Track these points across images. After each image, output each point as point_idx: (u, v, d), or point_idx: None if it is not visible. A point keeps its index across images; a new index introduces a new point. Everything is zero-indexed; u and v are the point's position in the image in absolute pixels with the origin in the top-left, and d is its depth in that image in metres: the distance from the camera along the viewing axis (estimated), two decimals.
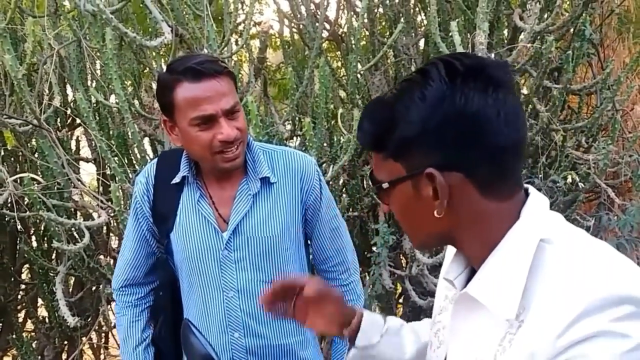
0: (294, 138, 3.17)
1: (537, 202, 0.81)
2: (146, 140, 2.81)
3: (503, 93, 0.75)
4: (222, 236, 1.51)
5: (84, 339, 2.90)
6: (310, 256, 1.72)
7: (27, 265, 3.05)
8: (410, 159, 0.79)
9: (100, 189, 2.90)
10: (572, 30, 2.95)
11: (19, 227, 2.88)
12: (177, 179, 1.53)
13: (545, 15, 2.78)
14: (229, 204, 1.52)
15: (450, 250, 1.00)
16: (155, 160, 1.64)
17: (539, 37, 2.61)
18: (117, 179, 2.28)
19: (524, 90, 3.13)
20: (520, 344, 0.75)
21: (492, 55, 2.48)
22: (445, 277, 0.89)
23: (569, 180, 2.83)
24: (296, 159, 1.58)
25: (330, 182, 2.51)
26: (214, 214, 1.52)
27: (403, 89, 0.79)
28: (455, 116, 0.74)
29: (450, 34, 2.38)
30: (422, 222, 0.83)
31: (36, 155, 2.57)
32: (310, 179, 1.58)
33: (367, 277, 2.68)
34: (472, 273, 0.86)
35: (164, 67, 2.59)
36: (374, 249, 2.62)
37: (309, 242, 1.68)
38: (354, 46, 2.64)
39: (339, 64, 3.95)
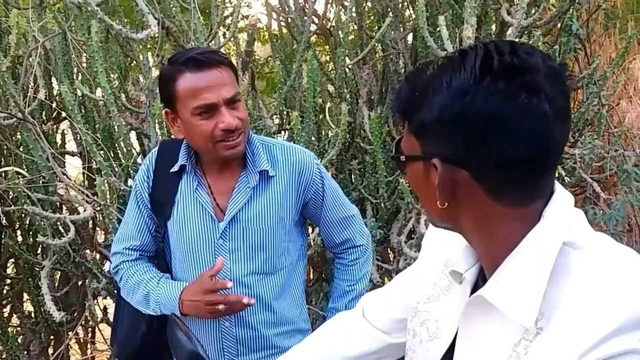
0: (282, 132, 3.16)
1: (561, 201, 0.77)
2: (132, 134, 2.79)
3: (537, 103, 0.69)
4: (219, 225, 1.53)
5: (70, 333, 2.89)
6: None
7: (12, 260, 3.01)
8: (425, 141, 0.77)
9: (86, 182, 2.88)
10: (559, 25, 2.96)
11: (3, 221, 2.84)
12: (175, 168, 1.55)
13: (533, 10, 2.79)
14: (227, 195, 1.54)
15: (431, 237, 0.99)
16: (156, 148, 1.66)
17: (526, 32, 2.62)
18: (102, 172, 2.26)
19: None
20: (538, 353, 0.72)
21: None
22: (453, 268, 0.86)
23: (555, 174, 2.85)
24: (295, 154, 1.60)
25: None
26: (212, 203, 1.54)
27: (441, 67, 0.75)
28: (471, 115, 0.70)
29: (438, 29, 2.38)
30: (430, 204, 0.81)
31: (21, 148, 2.54)
32: (309, 174, 1.60)
33: None
34: (482, 271, 0.84)
35: (151, 60, 2.58)
36: None
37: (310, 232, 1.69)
38: (342, 40, 2.64)
39: (327, 58, 3.93)
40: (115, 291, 1.83)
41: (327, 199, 1.63)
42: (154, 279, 1.58)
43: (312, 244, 2.50)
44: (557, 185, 0.78)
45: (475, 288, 0.84)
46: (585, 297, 0.70)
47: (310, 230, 2.60)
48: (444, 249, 0.93)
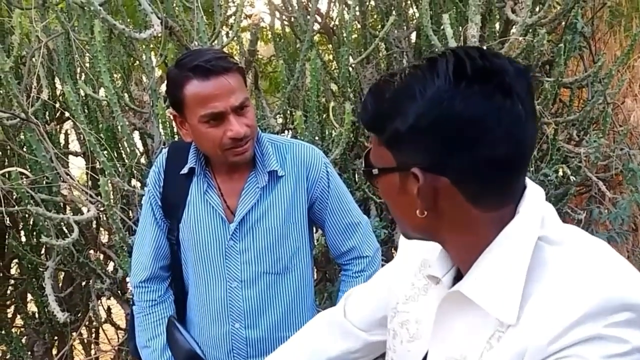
0: (286, 132, 3.15)
1: (533, 197, 0.78)
2: (136, 134, 2.78)
3: (512, 102, 0.71)
4: (229, 227, 1.53)
5: (74, 334, 2.88)
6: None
7: (15, 261, 3.01)
8: (400, 152, 0.77)
9: (89, 183, 2.87)
10: (563, 23, 2.95)
11: (7, 222, 2.84)
12: (185, 170, 1.55)
13: (537, 9, 2.77)
14: (236, 196, 1.54)
15: (407, 242, 0.99)
16: (166, 150, 1.65)
17: (530, 30, 2.61)
18: (106, 172, 2.25)
19: None
20: (509, 343, 0.74)
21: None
22: (430, 273, 0.87)
23: (560, 173, 2.84)
24: (304, 152, 1.60)
25: None
26: (222, 205, 1.54)
27: (410, 76, 0.75)
28: (450, 120, 0.70)
29: (442, 27, 2.37)
30: (406, 216, 0.81)
31: (24, 149, 2.54)
32: (317, 171, 1.59)
33: None
34: (458, 271, 0.85)
35: (154, 60, 2.58)
36: None
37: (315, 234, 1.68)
38: (345, 39, 2.63)
39: (331, 57, 3.92)
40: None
41: (332, 199, 1.62)
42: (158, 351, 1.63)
43: (316, 243, 2.49)
44: (528, 181, 0.80)
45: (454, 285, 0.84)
46: (551, 289, 0.72)
47: (314, 230, 2.59)
48: (419, 248, 0.94)
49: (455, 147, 0.71)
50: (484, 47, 0.77)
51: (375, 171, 0.81)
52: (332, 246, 1.68)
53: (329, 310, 1.17)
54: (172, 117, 1.52)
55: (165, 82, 1.52)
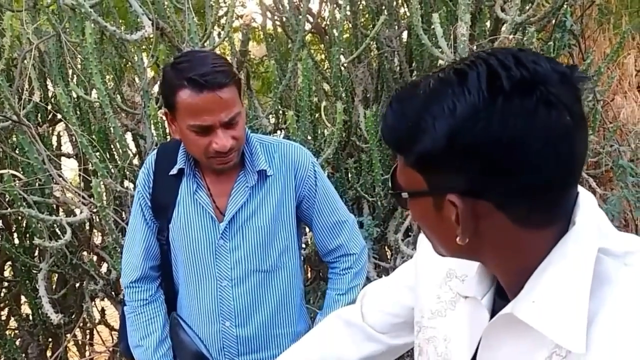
0: (278, 131, 3.16)
1: (587, 203, 0.70)
2: (128, 135, 2.78)
3: (558, 115, 0.61)
4: (219, 226, 1.55)
5: (68, 335, 2.88)
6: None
7: (9, 263, 3.01)
8: (432, 175, 0.68)
9: (82, 184, 2.87)
10: (553, 21, 2.96)
11: (0, 224, 2.84)
12: (174, 171, 1.56)
13: (527, 7, 2.79)
14: (225, 196, 1.56)
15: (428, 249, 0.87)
16: (155, 151, 1.67)
17: (520, 29, 2.62)
18: (98, 174, 2.25)
19: None
20: None
21: (475, 48, 2.49)
22: (465, 294, 0.80)
23: None
24: (292, 151, 1.62)
25: None
26: (212, 205, 1.56)
27: (436, 91, 0.66)
28: (488, 141, 0.62)
29: (432, 26, 2.38)
30: (444, 240, 0.74)
31: (16, 151, 2.54)
32: (305, 170, 1.61)
33: None
34: (497, 289, 0.77)
35: (146, 61, 2.58)
36: None
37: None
38: (337, 39, 2.64)
39: (322, 56, 3.93)
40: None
41: (319, 198, 1.64)
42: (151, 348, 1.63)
43: (309, 242, 2.50)
44: (579, 187, 0.71)
45: (494, 305, 0.78)
46: (630, 317, 0.63)
47: (307, 229, 2.60)
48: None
49: (495, 170, 0.63)
50: (524, 49, 0.66)
51: (404, 194, 0.73)
52: (320, 244, 1.71)
53: (345, 311, 1.12)
54: (163, 113, 1.54)
55: (161, 78, 1.53)
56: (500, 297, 0.76)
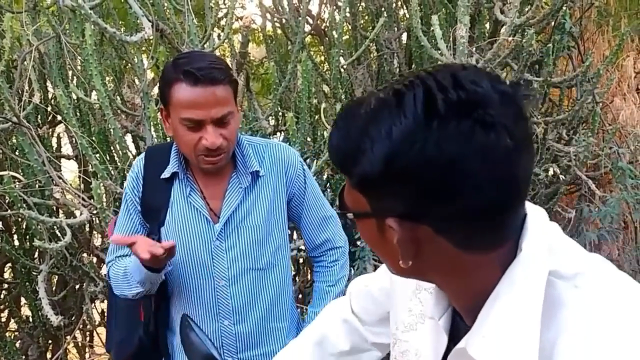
0: (278, 133, 3.16)
1: (536, 224, 0.68)
2: (128, 137, 2.79)
3: (497, 136, 0.59)
4: (215, 227, 1.57)
5: (68, 337, 2.88)
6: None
7: (9, 265, 3.01)
8: (373, 198, 0.67)
9: (82, 186, 2.87)
10: (552, 23, 2.97)
11: (0, 225, 2.84)
12: (166, 174, 1.57)
13: (526, 9, 2.79)
14: (219, 197, 1.58)
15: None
16: (143, 155, 1.67)
17: (519, 31, 2.63)
18: (98, 176, 2.26)
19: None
20: None
21: (473, 49, 2.49)
22: (424, 313, 0.80)
23: (551, 172, 2.87)
24: (280, 151, 1.65)
25: (314, 177, 2.52)
26: (206, 207, 1.58)
27: (376, 111, 0.64)
28: (423, 165, 0.60)
29: (432, 28, 2.39)
30: (390, 262, 0.73)
31: (16, 153, 2.54)
32: (295, 169, 1.65)
33: (352, 271, 2.68)
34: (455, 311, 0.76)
35: (145, 63, 2.58)
36: (358, 243, 2.63)
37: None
38: (336, 40, 2.64)
39: (322, 58, 3.94)
40: (108, 297, 1.83)
41: (308, 195, 1.68)
42: (128, 259, 1.57)
43: None
44: (527, 205, 0.69)
45: (453, 326, 0.77)
46: (588, 341, 0.61)
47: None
48: None
49: (431, 195, 0.61)
50: (467, 67, 0.64)
51: (350, 215, 0.72)
52: (308, 240, 1.75)
53: (339, 305, 1.13)
54: (159, 110, 1.55)
55: (160, 75, 1.55)
56: (462, 318, 0.74)
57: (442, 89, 0.61)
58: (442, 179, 0.60)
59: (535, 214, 0.69)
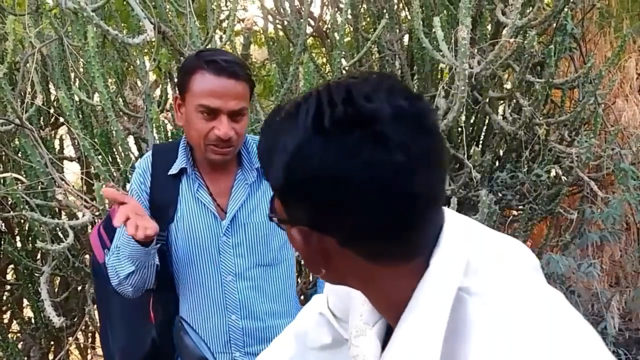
0: None
1: (450, 240, 0.66)
2: (130, 139, 2.79)
3: (387, 153, 0.58)
4: (222, 223, 1.59)
5: (70, 339, 2.89)
6: None
7: (11, 266, 3.01)
8: (285, 205, 0.68)
9: (84, 188, 2.88)
10: (554, 24, 2.97)
11: (2, 227, 2.85)
12: (174, 170, 1.59)
13: (528, 10, 2.80)
14: (225, 193, 1.60)
15: None
16: (150, 152, 1.69)
17: (521, 32, 2.63)
18: (101, 177, 2.26)
19: (507, 85, 3.15)
20: None
21: (475, 51, 2.49)
22: (363, 321, 0.79)
23: (553, 174, 2.86)
24: None
25: None
26: (213, 203, 1.60)
27: (282, 123, 0.65)
28: (312, 179, 0.60)
29: (433, 30, 2.39)
30: (313, 268, 0.72)
31: (19, 154, 2.54)
32: None
33: None
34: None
35: (148, 65, 2.59)
36: None
37: None
38: (338, 42, 2.64)
39: (324, 60, 3.95)
40: (98, 310, 1.83)
41: None
42: (119, 230, 1.54)
43: None
44: (448, 216, 0.68)
45: (389, 334, 0.75)
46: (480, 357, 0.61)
47: None
48: None
49: (324, 209, 0.62)
50: (368, 79, 0.63)
51: (274, 219, 0.73)
52: None
53: (319, 300, 1.13)
54: (173, 99, 1.57)
55: (180, 65, 1.58)
56: None
57: (332, 104, 0.60)
58: (330, 194, 0.60)
59: (454, 225, 0.67)
